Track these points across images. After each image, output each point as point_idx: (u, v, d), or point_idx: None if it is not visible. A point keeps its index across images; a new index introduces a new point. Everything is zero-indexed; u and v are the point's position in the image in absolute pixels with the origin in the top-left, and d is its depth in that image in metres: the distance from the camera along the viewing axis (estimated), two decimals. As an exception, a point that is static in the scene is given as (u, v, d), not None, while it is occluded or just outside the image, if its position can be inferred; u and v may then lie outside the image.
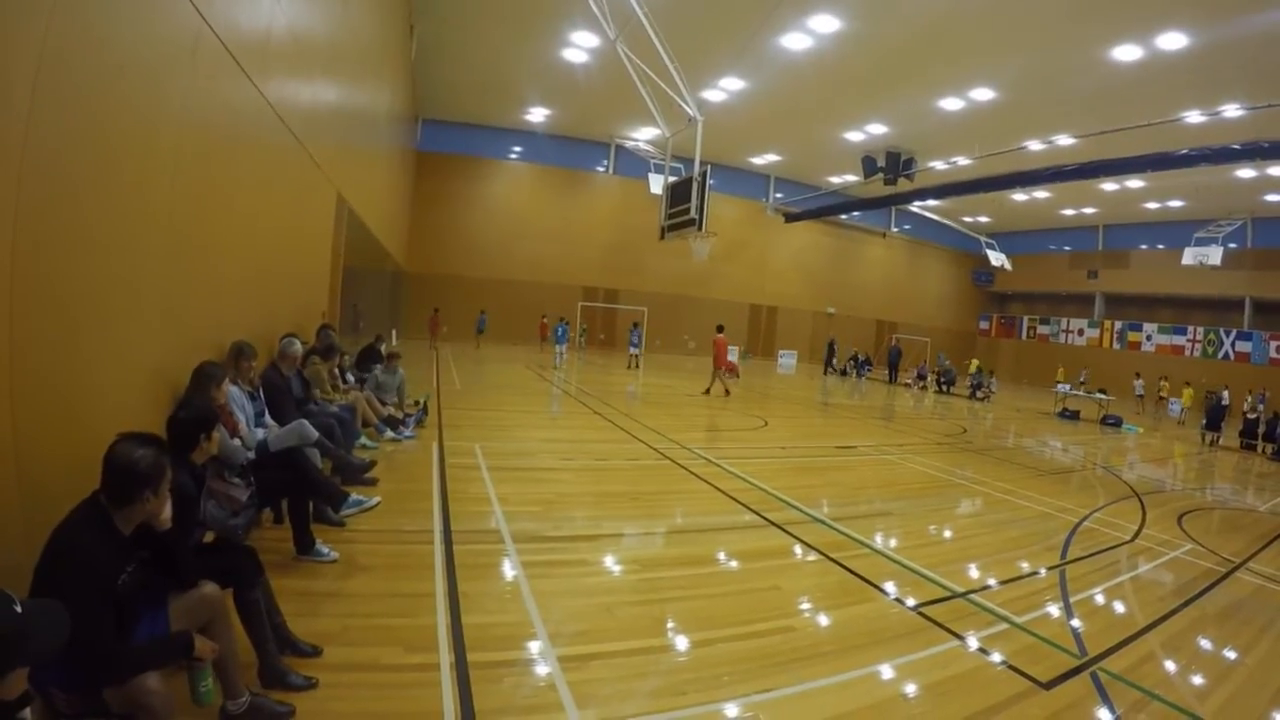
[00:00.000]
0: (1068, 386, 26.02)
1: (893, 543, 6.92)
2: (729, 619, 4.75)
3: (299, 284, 9.10)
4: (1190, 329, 37.34)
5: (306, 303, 9.63)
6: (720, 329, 20.39)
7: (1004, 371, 40.36)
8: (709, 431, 13.34)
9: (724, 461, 10.05)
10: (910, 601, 5.33)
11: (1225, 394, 24.10)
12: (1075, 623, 5.27)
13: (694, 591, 5.20)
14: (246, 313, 6.55)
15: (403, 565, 5.20)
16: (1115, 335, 40.80)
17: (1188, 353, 37.05)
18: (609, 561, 5.72)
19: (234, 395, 5.66)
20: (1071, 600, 5.78)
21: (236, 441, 5.15)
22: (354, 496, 5.55)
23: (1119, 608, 5.82)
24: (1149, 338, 39.11)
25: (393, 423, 9.76)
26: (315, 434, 5.90)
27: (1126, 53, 18.34)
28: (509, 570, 5.25)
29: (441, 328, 30.02)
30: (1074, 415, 23.93)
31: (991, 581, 6.04)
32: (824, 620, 4.93)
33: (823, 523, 7.35)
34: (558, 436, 11.42)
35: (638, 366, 26.93)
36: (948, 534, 7.68)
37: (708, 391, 19.33)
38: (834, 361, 34.54)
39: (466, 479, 7.80)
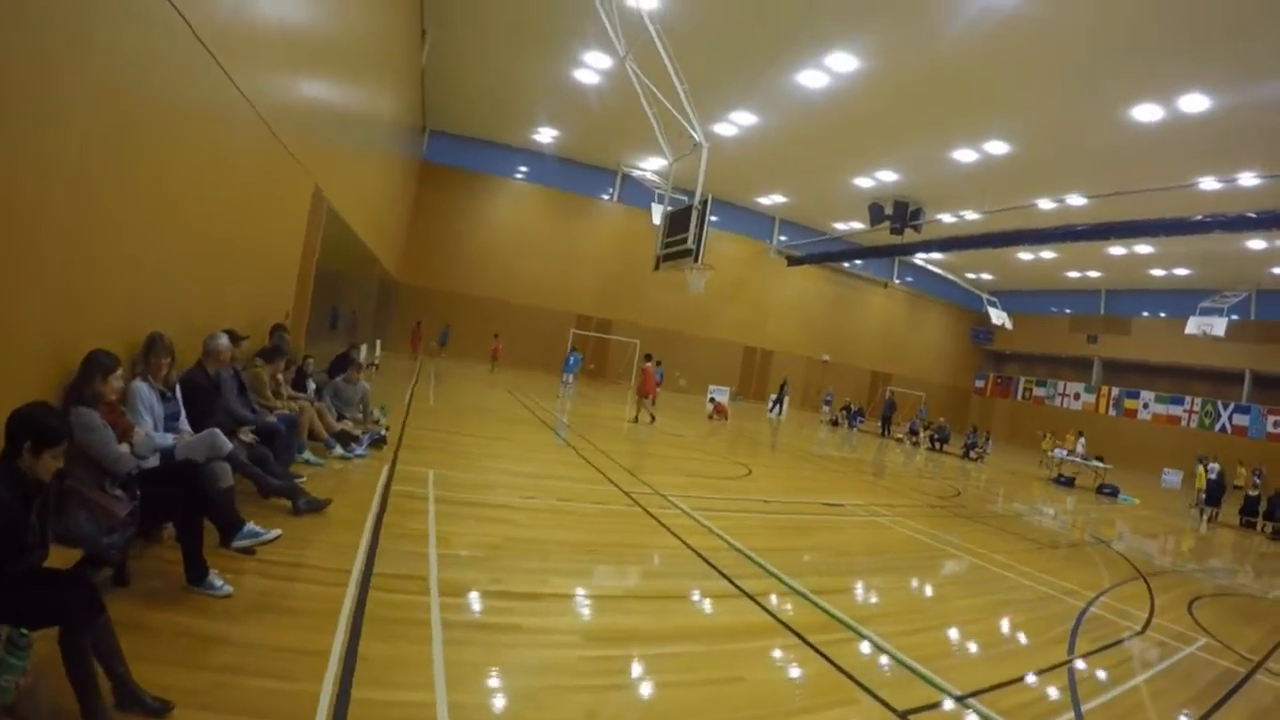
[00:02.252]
0: (1064, 452, 25.25)
1: (879, 626, 6.05)
2: (678, 718, 3.93)
3: (257, 276, 8.36)
4: (1188, 399, 37.06)
5: (265, 298, 8.88)
6: (649, 357, 20.67)
7: (998, 432, 39.52)
8: (687, 476, 12.43)
9: (699, 513, 9.15)
10: (900, 706, 4.50)
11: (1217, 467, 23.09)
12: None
13: (640, 678, 4.36)
14: (179, 302, 5.83)
15: (304, 610, 4.38)
16: (1112, 401, 40.32)
17: (1184, 423, 36.81)
18: (547, 630, 4.83)
19: (140, 393, 4.93)
20: (1084, 709, 4.97)
21: (124, 447, 4.38)
22: (249, 526, 4.73)
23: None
24: (1145, 406, 38.85)
25: (345, 438, 8.95)
26: (228, 445, 5.13)
27: (1147, 112, 18.03)
28: (425, 630, 4.38)
29: (428, 342, 29.34)
30: (1069, 482, 23.25)
31: (993, 681, 5.22)
32: (795, 728, 4.10)
33: (802, 595, 6.50)
34: (523, 470, 10.46)
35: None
36: (942, 616, 6.81)
37: (635, 420, 19.17)
38: (783, 403, 33.25)
39: (408, 510, 6.97)
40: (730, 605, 5.98)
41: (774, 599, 6.24)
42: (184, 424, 5.37)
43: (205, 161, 5.94)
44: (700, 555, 7.21)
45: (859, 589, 7.29)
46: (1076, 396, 42.42)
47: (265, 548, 5.11)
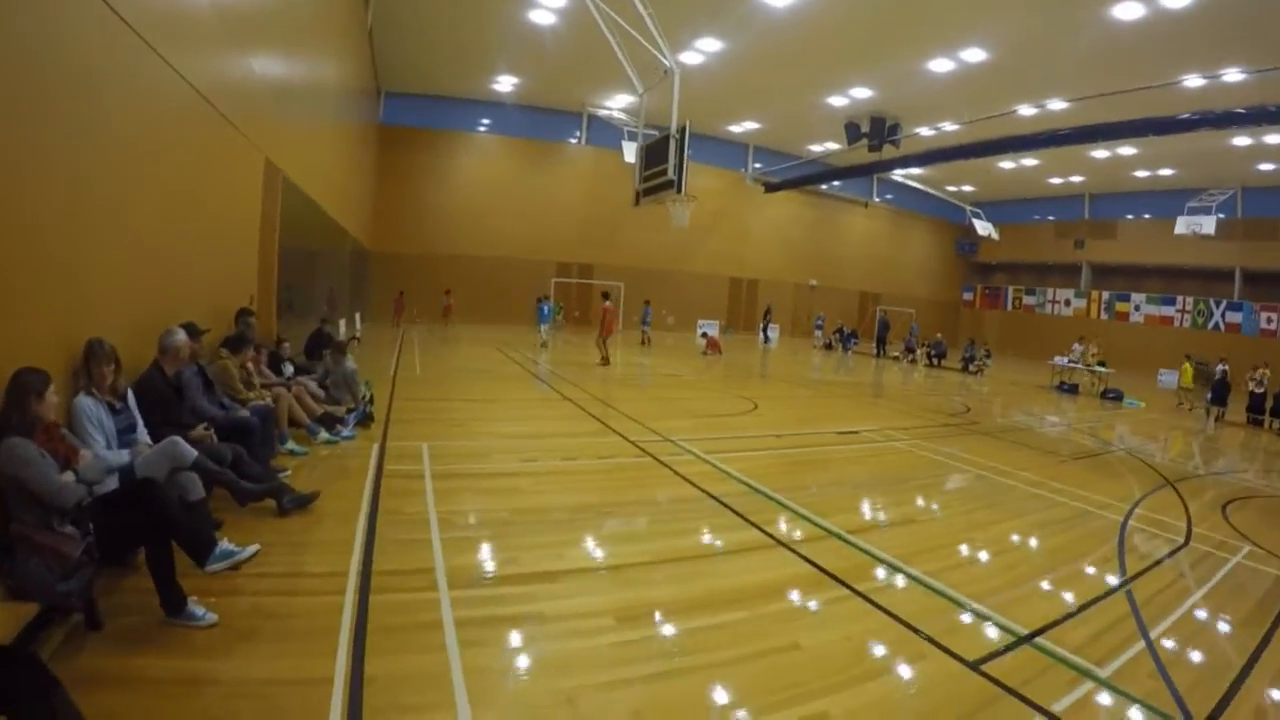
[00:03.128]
0: (1065, 359, 24.93)
1: (926, 563, 5.61)
2: (737, 705, 3.47)
3: (212, 260, 7.72)
4: (1179, 299, 36.66)
5: (226, 283, 8.26)
6: (606, 296, 20.10)
7: (990, 343, 39.32)
8: (693, 418, 11.97)
9: (713, 456, 8.71)
10: (970, 655, 4.09)
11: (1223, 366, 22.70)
12: (1167, 671, 4.11)
13: (686, 661, 3.87)
14: (122, 299, 5.29)
15: (300, 630, 3.88)
16: (1103, 306, 40.01)
17: (1177, 323, 36.38)
18: (572, 614, 4.33)
19: (84, 409, 4.41)
20: (1152, 636, 4.60)
21: (68, 475, 3.83)
22: (223, 546, 4.20)
23: (1205, 643, 4.70)
24: (1137, 308, 38.39)
25: (329, 421, 8.41)
26: (192, 453, 4.60)
27: (1128, 10, 17.18)
28: (438, 635, 3.90)
29: (410, 309, 28.66)
30: (1072, 389, 22.92)
31: (1056, 614, 4.83)
32: (867, 698, 3.63)
33: (838, 537, 6.07)
34: (521, 431, 9.99)
35: (648, 343, 26.92)
36: (986, 547, 6.36)
37: (604, 361, 18.67)
38: (768, 330, 33.38)
39: (405, 492, 6.45)
40: (767, 558, 5.55)
41: (810, 544, 5.83)
42: (142, 435, 4.84)
43: (134, 140, 5.32)
44: (723, 503, 6.79)
45: (895, 522, 6.86)
46: (1067, 303, 41.89)
47: (251, 559, 4.63)
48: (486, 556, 5.07)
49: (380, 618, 4.01)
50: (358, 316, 22.76)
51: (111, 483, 4.30)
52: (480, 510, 6.14)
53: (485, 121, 33.76)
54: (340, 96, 18.30)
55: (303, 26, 12.26)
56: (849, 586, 4.95)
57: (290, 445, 7.54)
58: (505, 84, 30.53)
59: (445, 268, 31.55)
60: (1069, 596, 5.23)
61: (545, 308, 25.01)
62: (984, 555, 6.11)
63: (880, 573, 5.33)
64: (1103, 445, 13.02)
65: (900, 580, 5.23)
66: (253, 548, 4.33)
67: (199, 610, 3.85)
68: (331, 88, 16.46)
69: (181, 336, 5.49)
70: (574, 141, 35.17)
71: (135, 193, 5.39)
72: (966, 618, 4.67)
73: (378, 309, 28.58)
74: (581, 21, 19.16)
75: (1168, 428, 16.96)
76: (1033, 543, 6.60)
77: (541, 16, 22.19)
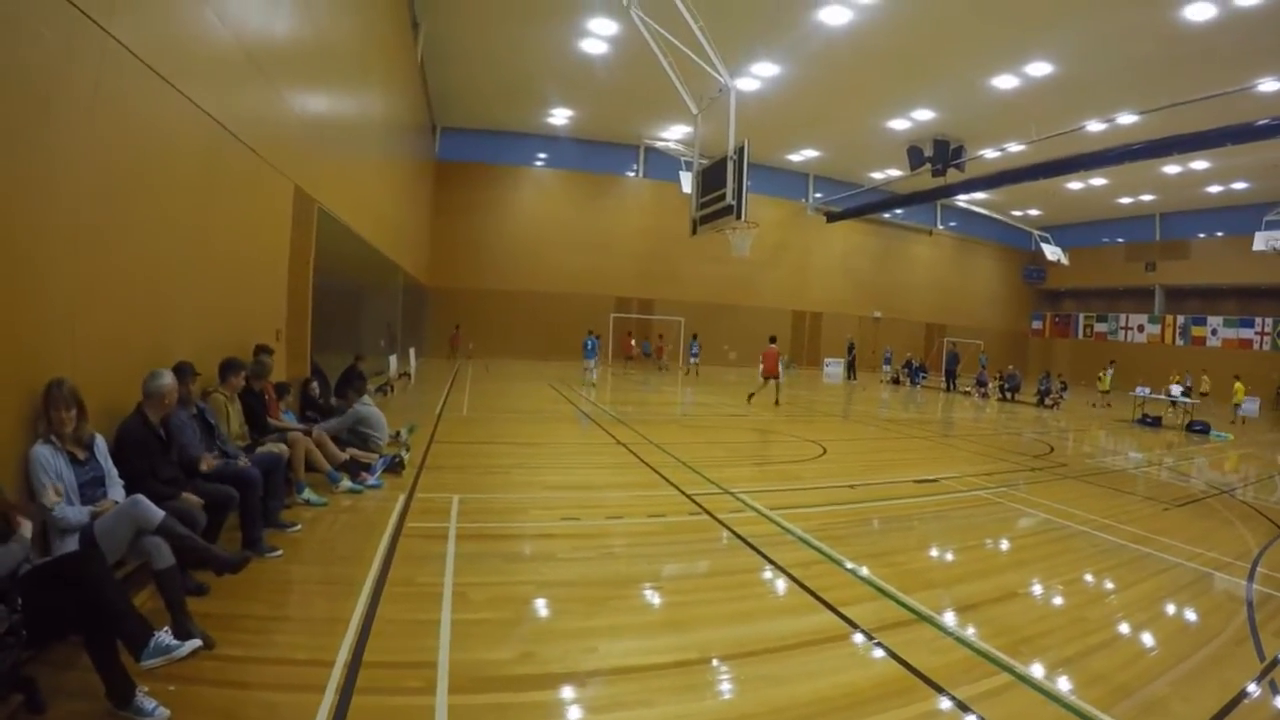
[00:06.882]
0: (1147, 390, 23.27)
1: (1036, 656, 4.50)
2: None
3: (228, 292, 7.17)
4: (1258, 321, 34.86)
5: (246, 317, 7.72)
6: (773, 340, 19.62)
7: (1064, 373, 37.36)
8: (756, 465, 10.98)
9: (778, 513, 7.69)
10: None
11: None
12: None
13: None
14: (106, 336, 4.78)
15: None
16: (1178, 330, 38.23)
17: (1257, 346, 34.61)
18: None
19: (41, 460, 3.86)
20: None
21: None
22: (161, 638, 3.44)
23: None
24: (1214, 332, 36.72)
25: (354, 468, 7.73)
26: (158, 514, 3.91)
27: (1199, 11, 16.40)
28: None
29: (467, 344, 28.28)
30: (1155, 422, 21.32)
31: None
32: None
33: (930, 621, 4.94)
34: (566, 481, 9.12)
35: (697, 374, 27.69)
36: (1102, 629, 5.14)
37: (777, 402, 18.77)
38: (853, 365, 33.15)
39: (423, 556, 5.64)
40: (847, 652, 4.49)
41: (896, 631, 4.77)
42: (114, 490, 4.19)
43: (116, 162, 4.80)
44: (791, 576, 5.75)
45: (993, 599, 5.64)
46: (1140, 329, 40.21)
47: (228, 636, 3.91)
48: (500, 647, 4.15)
49: (357, 734, 3.21)
50: (412, 353, 22.41)
51: (72, 543, 3.78)
52: (503, 583, 5.24)
53: (542, 156, 33.75)
54: (389, 131, 18.05)
55: (341, 58, 11.95)
56: (948, 694, 3.89)
57: (307, 495, 6.87)
58: (560, 117, 30.44)
59: (503, 303, 31.57)
60: (1210, 697, 4.14)
61: (590, 343, 24.55)
62: (1100, 639, 4.95)
63: (984, 672, 4.27)
64: (1202, 487, 11.68)
65: (1009, 682, 4.17)
66: (192, 643, 3.56)
67: (149, 704, 3.18)
68: (378, 122, 16.17)
69: (168, 380, 4.84)
70: (631, 174, 34.96)
71: (121, 217, 4.84)
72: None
73: (435, 345, 28.41)
74: (634, 50, 18.73)
75: (1267, 464, 15.33)
76: (1153, 621, 5.41)
77: (593, 45, 21.95)
